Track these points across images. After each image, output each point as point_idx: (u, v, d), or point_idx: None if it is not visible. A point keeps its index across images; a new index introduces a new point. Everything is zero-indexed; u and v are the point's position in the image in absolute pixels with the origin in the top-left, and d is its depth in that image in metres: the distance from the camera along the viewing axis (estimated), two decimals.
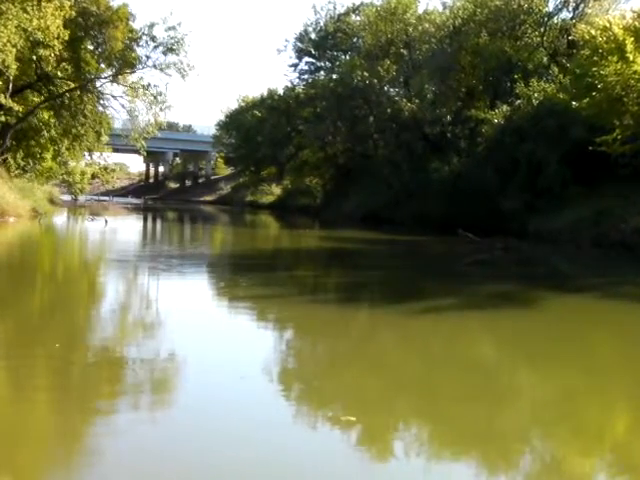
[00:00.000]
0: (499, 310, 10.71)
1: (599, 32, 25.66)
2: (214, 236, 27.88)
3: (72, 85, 31.18)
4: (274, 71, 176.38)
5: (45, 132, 33.82)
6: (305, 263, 18.08)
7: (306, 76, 54.15)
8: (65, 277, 13.49)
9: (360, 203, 38.67)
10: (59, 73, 31.83)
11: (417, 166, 35.69)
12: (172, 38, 30.60)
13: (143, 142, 34.00)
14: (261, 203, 58.89)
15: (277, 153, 57.04)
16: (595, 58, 26.03)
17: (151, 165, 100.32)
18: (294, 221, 41.88)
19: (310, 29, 51.85)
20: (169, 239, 25.39)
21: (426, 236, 26.69)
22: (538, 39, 36.34)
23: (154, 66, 31.04)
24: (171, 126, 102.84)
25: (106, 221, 28.02)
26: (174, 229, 32.06)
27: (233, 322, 9.14)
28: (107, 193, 77.83)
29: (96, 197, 57.78)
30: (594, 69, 25.41)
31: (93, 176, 43.00)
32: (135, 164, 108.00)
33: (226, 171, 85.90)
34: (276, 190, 59.84)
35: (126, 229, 29.50)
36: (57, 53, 25.57)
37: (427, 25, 37.13)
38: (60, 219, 33.12)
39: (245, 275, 14.04)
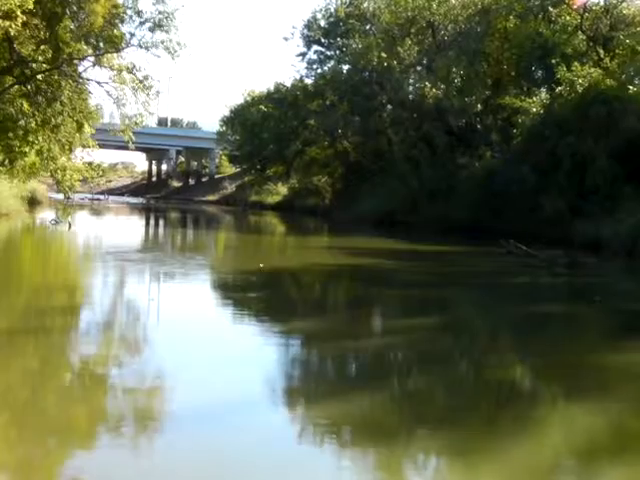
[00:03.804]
0: None
1: None
2: (217, 247, 23.82)
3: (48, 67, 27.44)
4: (282, 67, 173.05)
5: (22, 122, 30.18)
6: (310, 298, 12.99)
7: (315, 66, 50.14)
8: None
9: (373, 205, 34.55)
10: (40, 57, 28.34)
11: (439, 163, 31.84)
12: (160, 13, 26.73)
13: (131, 134, 30.29)
14: (266, 203, 55.39)
15: (283, 150, 53.26)
16: None
17: (154, 163, 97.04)
18: (301, 224, 38.29)
19: (319, 15, 47.77)
20: (154, 257, 20.69)
21: (455, 245, 22.49)
22: (576, 21, 32.67)
23: (140, 45, 27.15)
24: (175, 122, 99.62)
25: (70, 225, 24.61)
26: (167, 238, 27.84)
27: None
28: (106, 192, 74.59)
29: (90, 196, 54.66)
30: None
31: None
32: (142, 162, 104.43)
33: (230, 170, 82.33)
34: (282, 189, 56.39)
35: (103, 236, 25.36)
36: (19, 24, 21.66)
37: (453, 2, 33.20)
38: (28, 221, 29.44)
39: (240, 320, 10.03)
